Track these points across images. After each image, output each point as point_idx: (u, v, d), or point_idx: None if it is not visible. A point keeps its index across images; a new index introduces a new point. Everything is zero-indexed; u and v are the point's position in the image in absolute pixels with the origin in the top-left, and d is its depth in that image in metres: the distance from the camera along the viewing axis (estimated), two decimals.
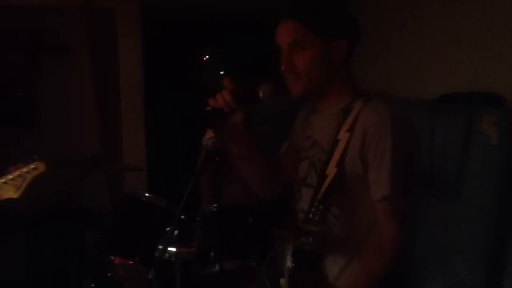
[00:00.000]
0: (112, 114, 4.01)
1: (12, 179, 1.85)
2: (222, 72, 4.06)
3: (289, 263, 1.37)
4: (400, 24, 3.52)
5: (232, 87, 1.46)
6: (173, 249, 2.34)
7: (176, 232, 2.23)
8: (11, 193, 1.84)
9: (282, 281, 1.41)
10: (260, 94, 1.47)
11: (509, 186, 2.56)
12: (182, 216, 2.40)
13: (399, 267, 1.53)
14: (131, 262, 2.54)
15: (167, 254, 2.31)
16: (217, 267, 2.32)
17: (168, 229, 2.29)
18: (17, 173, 1.85)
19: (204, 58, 4.17)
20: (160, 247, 2.31)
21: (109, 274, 2.65)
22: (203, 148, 1.35)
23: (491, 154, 2.62)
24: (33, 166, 1.86)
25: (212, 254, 2.39)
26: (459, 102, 2.82)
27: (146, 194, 2.75)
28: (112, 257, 2.57)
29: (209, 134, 1.35)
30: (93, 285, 2.72)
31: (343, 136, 1.45)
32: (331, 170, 1.44)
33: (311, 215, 1.45)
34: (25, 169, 1.86)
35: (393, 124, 1.40)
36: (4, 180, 1.85)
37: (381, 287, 1.49)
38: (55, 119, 3.94)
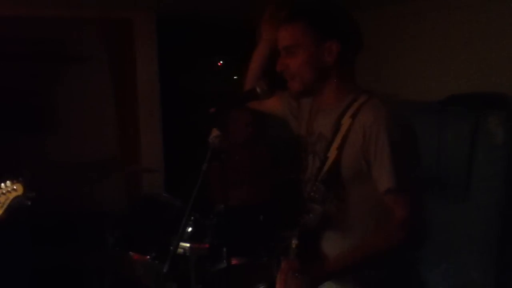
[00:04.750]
0: (130, 119, 4.15)
1: None
2: (235, 77, 4.18)
3: (294, 244, 1.46)
4: (408, 27, 3.57)
5: None
6: (188, 245, 2.45)
7: (188, 229, 2.32)
8: None
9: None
10: (258, 90, 1.57)
11: None
12: (195, 214, 2.50)
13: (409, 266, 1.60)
14: (148, 257, 2.66)
15: (182, 250, 2.41)
16: (228, 263, 2.41)
17: (182, 226, 2.38)
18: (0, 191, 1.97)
19: (218, 64, 4.28)
20: (174, 243, 2.40)
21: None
22: (209, 146, 1.44)
23: (497, 155, 2.67)
24: (14, 187, 1.98)
25: (224, 250, 2.48)
26: (465, 103, 2.87)
27: (163, 194, 2.87)
28: (130, 253, 2.69)
29: (215, 133, 1.44)
30: (112, 282, 2.84)
31: (345, 121, 1.54)
32: (333, 152, 1.54)
33: (312, 194, 1.54)
34: (7, 189, 1.98)
35: (391, 121, 1.48)
36: None
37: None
38: (74, 125, 4.08)
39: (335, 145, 1.53)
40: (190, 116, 4.01)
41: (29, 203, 2.02)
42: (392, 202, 1.47)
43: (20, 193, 1.97)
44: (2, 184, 1.98)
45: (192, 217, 2.53)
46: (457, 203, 2.86)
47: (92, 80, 4.11)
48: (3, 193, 1.98)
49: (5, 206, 1.97)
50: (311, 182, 1.60)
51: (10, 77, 3.79)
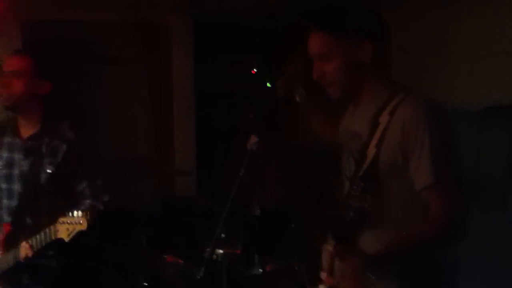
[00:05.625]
0: (165, 120, 4.19)
1: (68, 223, 2.00)
2: (268, 85, 4.17)
3: (331, 245, 1.44)
4: (449, 34, 3.50)
5: None
6: (220, 251, 2.46)
7: (223, 234, 2.32)
8: (64, 236, 2.00)
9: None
10: (296, 96, 1.57)
11: None
12: (229, 218, 2.50)
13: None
14: (182, 261, 2.67)
15: (214, 255, 2.41)
16: (263, 269, 2.40)
17: (216, 231, 2.39)
18: (71, 220, 2.00)
19: (252, 72, 4.29)
20: (208, 248, 2.42)
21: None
22: (247, 152, 1.44)
23: None
24: (81, 221, 1.99)
25: (256, 256, 2.48)
26: (505, 113, 2.80)
27: (195, 196, 2.88)
28: (164, 255, 2.70)
29: (253, 139, 1.44)
30: (146, 284, 2.85)
31: (383, 119, 1.51)
32: (371, 150, 1.51)
33: (352, 192, 1.53)
34: (75, 220, 2.00)
35: (431, 116, 1.45)
36: (64, 221, 2.00)
37: None
38: (110, 125, 4.14)
39: (374, 142, 1.51)
40: (225, 119, 4.04)
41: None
42: (429, 195, 1.45)
43: (84, 228, 1.99)
44: (75, 213, 2.00)
45: (226, 222, 2.54)
46: (496, 214, 2.78)
47: (129, 81, 4.17)
48: (72, 223, 2.00)
49: (71, 236, 1.99)
50: (350, 180, 1.57)
51: (49, 77, 3.87)
